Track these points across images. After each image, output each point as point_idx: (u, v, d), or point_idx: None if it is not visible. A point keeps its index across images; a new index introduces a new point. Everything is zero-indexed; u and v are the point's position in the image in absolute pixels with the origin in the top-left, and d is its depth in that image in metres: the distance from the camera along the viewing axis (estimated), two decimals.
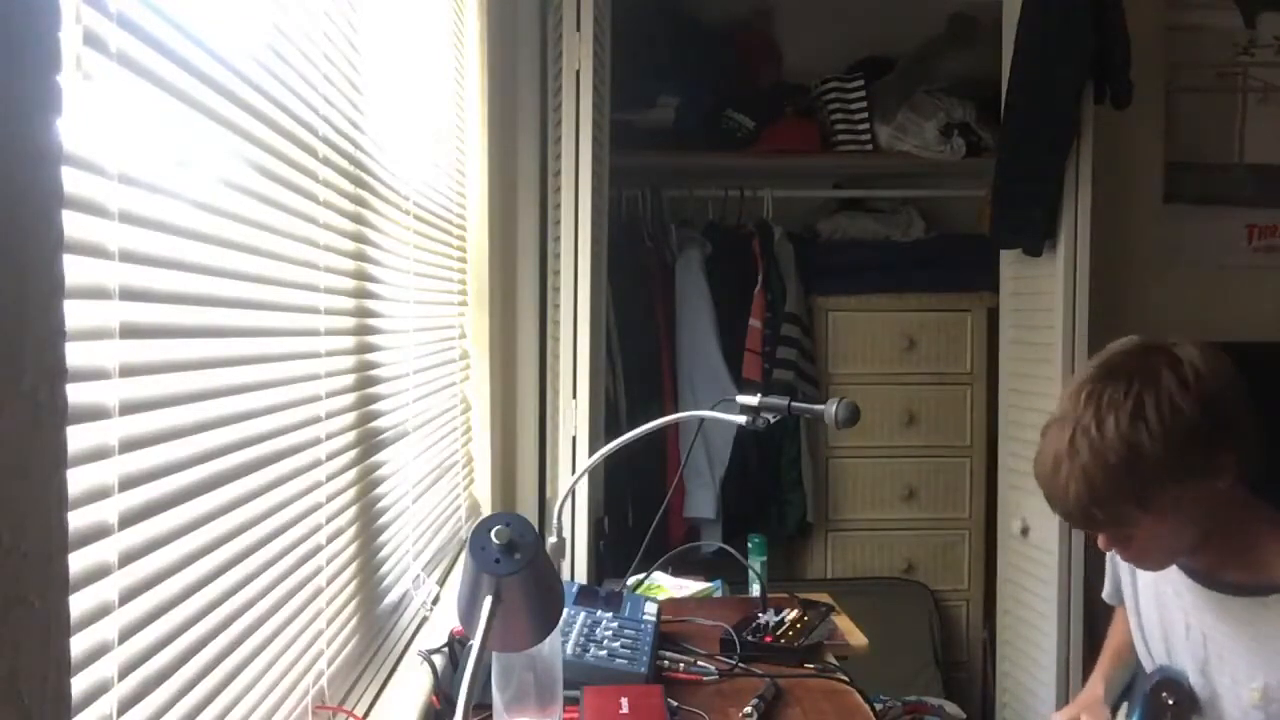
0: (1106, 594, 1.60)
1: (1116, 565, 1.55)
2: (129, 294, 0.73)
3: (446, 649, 1.54)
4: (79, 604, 0.65)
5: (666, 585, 2.12)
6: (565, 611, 1.25)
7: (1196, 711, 1.36)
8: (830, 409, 1.69)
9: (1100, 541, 1.34)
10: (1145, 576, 1.45)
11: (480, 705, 1.29)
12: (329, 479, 1.22)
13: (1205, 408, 1.22)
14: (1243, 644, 1.30)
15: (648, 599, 1.77)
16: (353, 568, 1.34)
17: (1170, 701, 1.37)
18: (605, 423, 2.73)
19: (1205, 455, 1.23)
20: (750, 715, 1.41)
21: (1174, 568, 1.38)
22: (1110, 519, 1.28)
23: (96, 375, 0.69)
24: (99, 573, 0.69)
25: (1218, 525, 1.29)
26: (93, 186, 0.68)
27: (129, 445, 0.73)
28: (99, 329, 0.69)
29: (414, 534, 1.68)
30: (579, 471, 2.08)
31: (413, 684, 1.45)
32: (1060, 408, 1.29)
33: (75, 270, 0.62)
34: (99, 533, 0.69)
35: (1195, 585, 1.35)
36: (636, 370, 3.05)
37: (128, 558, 0.73)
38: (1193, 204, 3.39)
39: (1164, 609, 1.41)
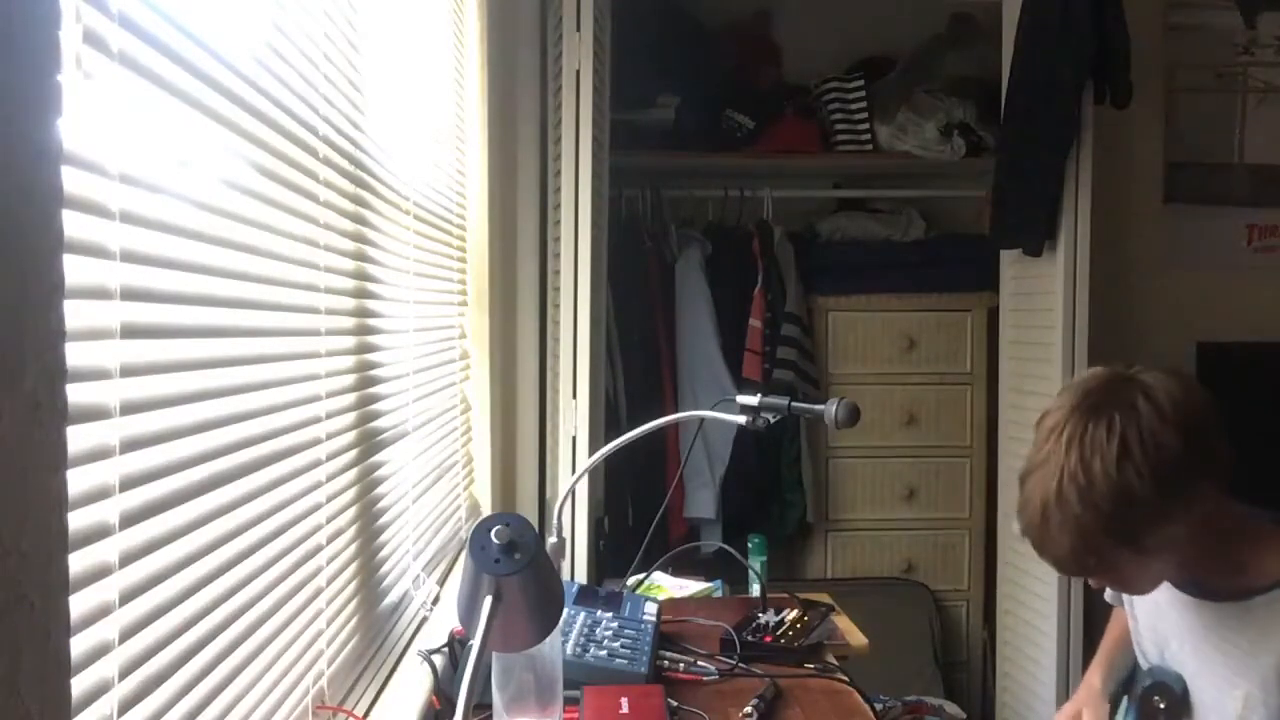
0: (1109, 595, 1.61)
1: None
2: (130, 294, 0.73)
3: (446, 649, 1.54)
4: (79, 604, 0.65)
5: (666, 585, 2.12)
6: (565, 611, 1.25)
7: (1187, 714, 1.36)
8: (830, 409, 1.69)
9: (1092, 583, 1.34)
10: None
11: (480, 705, 1.29)
12: (329, 479, 1.22)
13: (1187, 439, 1.19)
14: (1225, 651, 1.30)
15: (648, 599, 1.77)
16: (353, 568, 1.34)
17: (1161, 705, 1.38)
18: (605, 423, 2.73)
19: (1189, 487, 1.21)
20: (750, 715, 1.41)
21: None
22: (1103, 564, 1.26)
23: (96, 375, 0.69)
24: (99, 573, 0.69)
25: (1200, 540, 1.28)
26: (93, 186, 0.68)
27: (129, 445, 0.72)
28: (99, 329, 0.69)
29: (414, 534, 1.68)
30: (579, 471, 2.08)
31: (413, 684, 1.45)
32: (1039, 452, 1.24)
33: (75, 270, 0.62)
34: (99, 533, 0.69)
35: (1184, 595, 1.35)
36: (636, 370, 3.05)
37: (128, 558, 0.73)
38: (1193, 204, 3.40)
39: (1158, 616, 1.42)
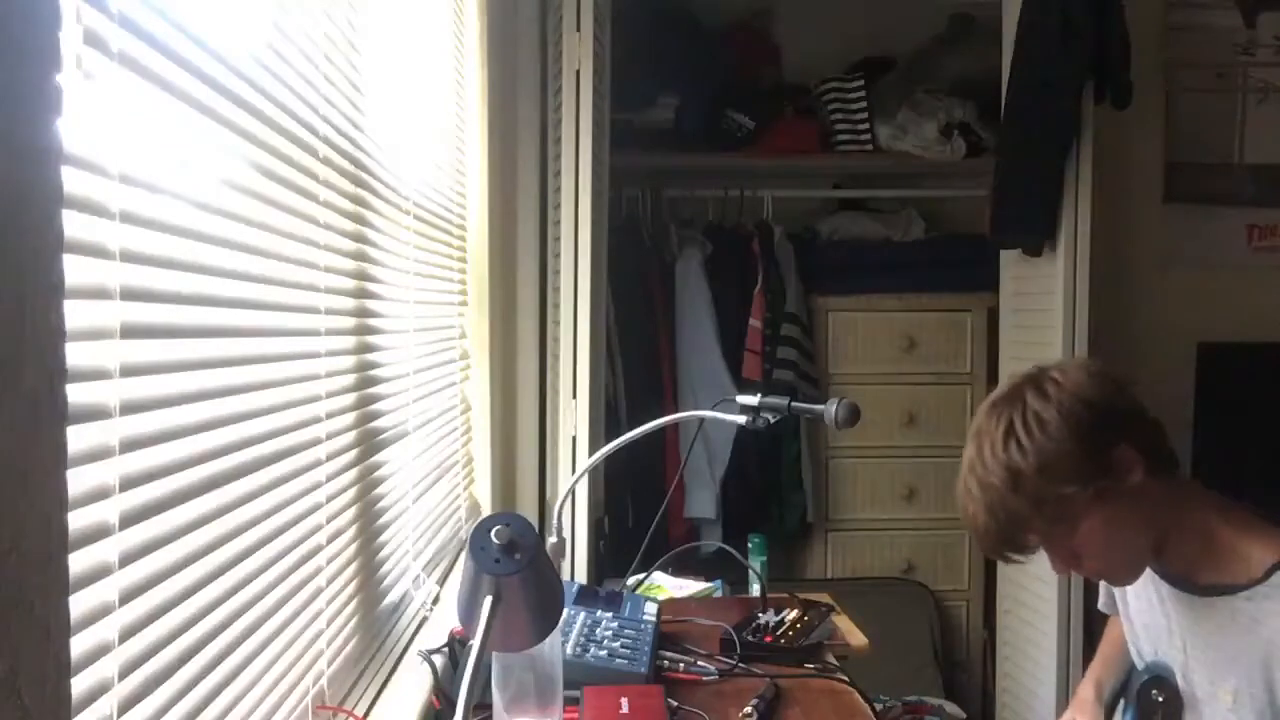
0: (1102, 604, 1.61)
1: None
2: (129, 294, 0.73)
3: (446, 649, 1.54)
4: (79, 604, 0.65)
5: (666, 585, 2.12)
6: (565, 611, 1.25)
7: (1185, 707, 1.36)
8: (830, 409, 1.69)
9: (1052, 565, 1.37)
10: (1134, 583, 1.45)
11: (480, 705, 1.29)
12: (329, 479, 1.22)
13: (1069, 414, 1.27)
14: (1214, 646, 1.31)
15: (648, 599, 1.77)
16: (353, 568, 1.34)
17: (1160, 699, 1.39)
18: (605, 423, 2.73)
19: (1090, 457, 1.27)
20: (750, 715, 1.41)
21: (1156, 575, 1.38)
22: (1028, 538, 1.31)
23: (96, 375, 0.69)
24: (99, 573, 0.69)
25: (1171, 525, 1.31)
26: (93, 186, 0.68)
27: (129, 445, 0.72)
28: (99, 329, 0.69)
29: (414, 534, 1.68)
30: (579, 471, 2.08)
31: (413, 684, 1.45)
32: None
33: (75, 270, 0.62)
34: (99, 533, 0.69)
35: (1174, 590, 1.36)
36: (636, 370, 3.05)
37: (128, 558, 0.73)
38: (1193, 204, 3.40)
39: (1151, 614, 1.43)
